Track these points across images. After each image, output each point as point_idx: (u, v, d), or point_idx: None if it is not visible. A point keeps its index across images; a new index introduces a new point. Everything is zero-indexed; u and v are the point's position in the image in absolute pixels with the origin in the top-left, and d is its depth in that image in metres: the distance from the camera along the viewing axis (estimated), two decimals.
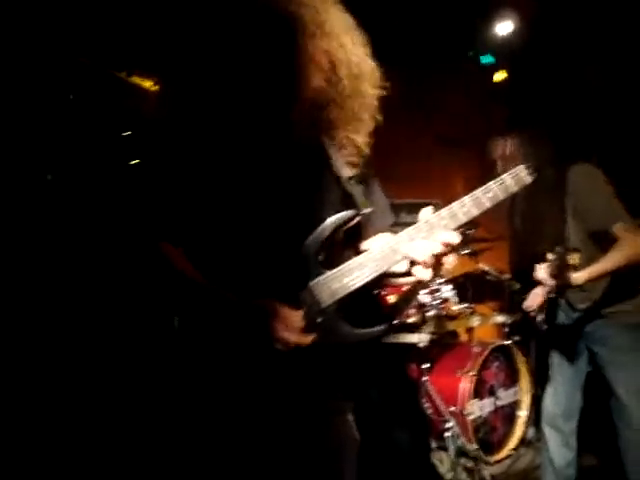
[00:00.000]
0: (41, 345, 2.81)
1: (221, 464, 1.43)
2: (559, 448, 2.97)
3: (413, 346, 3.71)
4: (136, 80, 3.37)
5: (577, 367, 2.98)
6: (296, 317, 1.37)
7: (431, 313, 3.84)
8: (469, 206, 1.39)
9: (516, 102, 4.63)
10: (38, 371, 2.78)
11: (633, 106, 4.45)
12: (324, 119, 1.52)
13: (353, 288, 1.40)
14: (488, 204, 1.39)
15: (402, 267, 1.44)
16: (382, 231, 1.57)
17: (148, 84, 3.40)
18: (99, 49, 3.26)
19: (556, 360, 3.02)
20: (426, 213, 1.40)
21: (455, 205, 1.39)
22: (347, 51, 1.51)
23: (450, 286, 4.06)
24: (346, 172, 1.53)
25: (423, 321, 3.82)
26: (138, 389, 2.80)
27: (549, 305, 3.09)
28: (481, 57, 4.76)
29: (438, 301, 3.90)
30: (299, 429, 1.44)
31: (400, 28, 4.37)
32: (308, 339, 1.37)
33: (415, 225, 1.39)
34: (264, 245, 1.43)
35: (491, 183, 1.41)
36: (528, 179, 1.42)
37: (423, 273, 1.39)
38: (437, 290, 3.93)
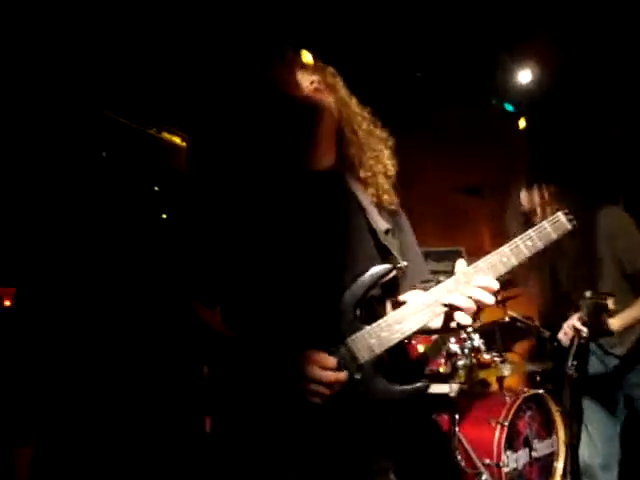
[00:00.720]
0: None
1: None
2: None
3: (444, 396, 3.65)
4: (166, 136, 3.46)
5: (613, 415, 2.91)
6: (331, 360, 1.36)
7: (461, 362, 3.79)
8: (508, 255, 1.38)
9: (539, 151, 4.64)
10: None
11: None
12: (346, 159, 1.59)
13: (392, 343, 1.39)
14: (527, 253, 1.38)
15: (438, 322, 1.44)
16: (417, 283, 1.58)
17: (177, 140, 3.49)
18: (130, 106, 3.36)
19: (590, 408, 2.95)
20: (461, 265, 1.40)
21: (494, 255, 1.39)
22: (354, 106, 1.62)
23: (478, 335, 4.01)
24: (382, 225, 1.54)
25: (453, 371, 3.76)
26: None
27: (580, 351, 3.04)
28: (505, 104, 4.82)
29: (467, 350, 3.85)
30: None
31: (419, 77, 4.45)
32: (339, 375, 1.34)
33: (452, 277, 1.38)
34: (301, 301, 1.43)
35: (530, 231, 1.39)
36: (568, 225, 1.40)
37: (465, 319, 1.38)
38: (466, 339, 3.88)
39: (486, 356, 4.03)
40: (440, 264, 5.20)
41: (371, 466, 1.45)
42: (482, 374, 4.02)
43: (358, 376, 1.37)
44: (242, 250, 1.48)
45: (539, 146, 5.09)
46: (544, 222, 1.40)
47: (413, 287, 1.59)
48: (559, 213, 1.40)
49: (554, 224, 1.39)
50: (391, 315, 1.40)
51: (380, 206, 1.59)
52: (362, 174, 1.59)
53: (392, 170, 1.63)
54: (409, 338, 1.55)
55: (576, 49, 4.55)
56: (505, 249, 1.39)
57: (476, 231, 4.99)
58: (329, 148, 1.58)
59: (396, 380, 1.39)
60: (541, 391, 4.05)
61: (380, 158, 1.61)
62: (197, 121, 3.20)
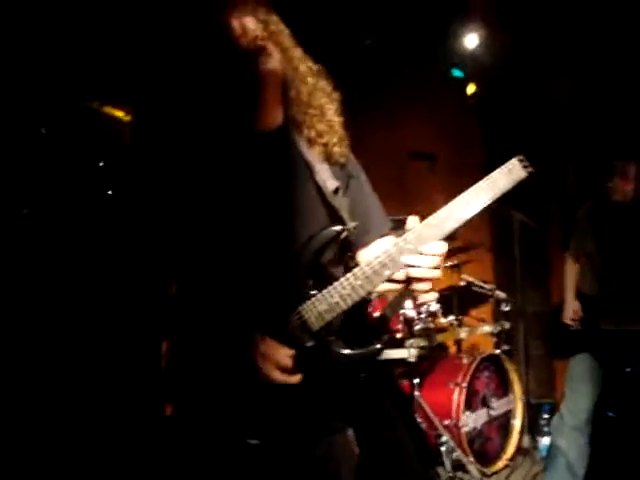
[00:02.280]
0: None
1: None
2: (583, 450, 3.01)
3: (402, 361, 3.68)
4: (109, 110, 3.36)
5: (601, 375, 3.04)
6: (282, 354, 1.35)
7: (418, 327, 3.83)
8: (462, 206, 1.31)
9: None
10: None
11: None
12: (291, 115, 1.53)
13: (341, 309, 1.36)
14: (482, 204, 1.31)
15: (401, 275, 1.40)
16: (380, 236, 1.56)
17: (121, 113, 3.39)
18: (71, 80, 3.24)
19: (585, 364, 3.05)
20: (413, 221, 1.36)
21: (447, 208, 1.32)
22: (299, 57, 1.54)
23: (435, 299, 4.05)
24: (330, 184, 1.50)
25: (411, 336, 3.80)
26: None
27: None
28: (452, 70, 4.81)
29: (425, 315, 3.88)
30: (298, 450, 1.40)
31: (368, 44, 4.42)
32: (294, 379, 1.35)
33: (404, 236, 1.34)
34: (251, 270, 1.40)
35: (482, 182, 1.31)
36: (522, 174, 1.30)
37: (421, 286, 1.36)
38: (423, 304, 3.92)
39: (443, 320, 4.08)
40: (397, 232, 5.23)
41: (329, 424, 1.45)
42: (440, 338, 4.06)
43: (310, 343, 1.36)
44: (191, 220, 1.44)
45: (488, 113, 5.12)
46: (496, 171, 1.31)
47: (371, 242, 1.57)
48: (514, 159, 1.31)
49: (508, 172, 1.30)
50: (341, 280, 1.36)
51: (331, 161, 1.54)
52: (307, 132, 1.53)
53: (338, 125, 1.57)
54: (364, 302, 1.53)
55: (522, 12, 4.57)
56: (464, 197, 1.31)
57: (429, 198, 5.00)
58: (275, 104, 1.52)
59: (352, 344, 1.38)
60: (497, 351, 4.13)
61: (325, 114, 1.55)
62: (139, 91, 3.10)
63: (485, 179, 1.31)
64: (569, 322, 3.25)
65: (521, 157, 1.31)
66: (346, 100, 1.63)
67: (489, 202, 1.31)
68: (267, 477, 1.38)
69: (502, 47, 4.81)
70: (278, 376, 1.34)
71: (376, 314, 3.33)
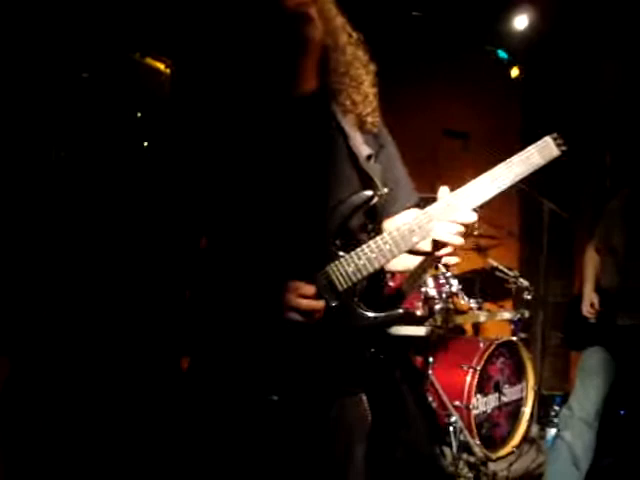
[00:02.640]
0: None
1: (231, 447, 1.42)
2: (589, 444, 2.99)
3: (419, 339, 3.69)
4: (149, 62, 3.35)
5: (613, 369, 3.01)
6: (309, 287, 1.36)
7: (438, 307, 3.82)
8: (497, 177, 1.34)
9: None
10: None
11: None
12: (328, 83, 1.52)
13: (367, 272, 1.38)
14: (513, 179, 1.34)
15: (427, 246, 1.43)
16: (407, 208, 1.57)
17: (161, 66, 3.38)
18: (113, 30, 3.24)
19: (598, 357, 3.03)
20: (443, 192, 1.38)
21: (478, 180, 1.35)
22: (342, 26, 1.53)
23: (457, 281, 4.03)
24: (364, 150, 1.51)
25: (430, 314, 3.80)
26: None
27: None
28: (498, 51, 4.71)
29: (445, 295, 3.87)
30: (311, 410, 1.42)
31: (416, 17, 4.34)
32: (320, 304, 1.35)
33: (435, 204, 1.37)
34: (282, 229, 1.41)
35: (514, 157, 1.35)
36: (556, 151, 1.34)
37: (445, 252, 1.39)
38: (445, 284, 3.90)
39: (463, 302, 4.07)
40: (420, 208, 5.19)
41: (344, 387, 1.47)
42: (458, 319, 4.06)
43: (335, 303, 1.38)
44: (224, 177, 1.45)
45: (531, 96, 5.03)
46: (531, 146, 1.35)
47: (397, 213, 1.58)
48: (547, 137, 1.35)
49: (541, 149, 1.34)
50: (369, 243, 1.38)
51: (363, 130, 1.55)
52: (342, 101, 1.53)
53: (373, 97, 1.57)
54: (386, 272, 1.54)
55: None
56: (487, 175, 1.35)
57: (461, 177, 4.94)
58: (312, 71, 1.52)
59: (373, 308, 1.40)
60: (514, 338, 4.12)
61: (361, 85, 1.54)
62: (181, 46, 3.08)
63: (518, 154, 1.35)
64: (587, 314, 3.21)
65: (555, 135, 1.35)
66: (384, 73, 1.62)
67: (520, 177, 1.35)
68: (282, 434, 1.40)
69: (550, 30, 4.70)
70: (304, 303, 1.35)
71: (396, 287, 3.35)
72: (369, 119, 1.55)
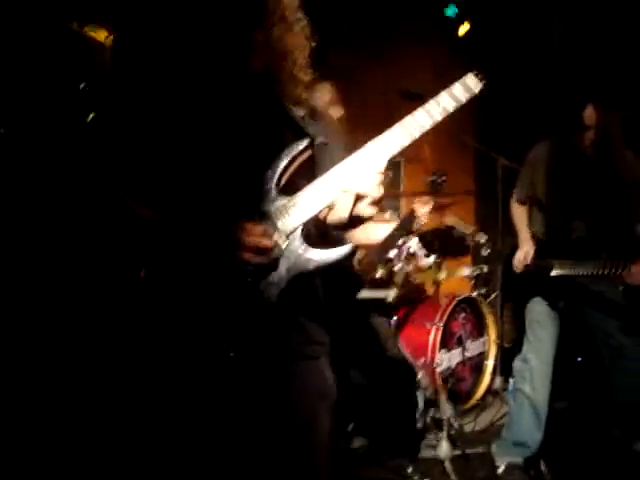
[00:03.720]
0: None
1: (192, 412, 1.40)
2: (547, 393, 3.07)
3: (381, 301, 3.71)
4: (89, 31, 3.23)
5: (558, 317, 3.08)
6: (259, 227, 1.36)
7: (398, 268, 3.84)
8: (421, 119, 1.36)
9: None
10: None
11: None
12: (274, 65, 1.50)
13: (310, 214, 1.39)
14: (439, 116, 1.37)
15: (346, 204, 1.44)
16: None
17: (102, 35, 3.26)
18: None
19: (542, 308, 3.08)
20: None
21: (407, 119, 1.37)
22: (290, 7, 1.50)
23: (416, 240, 4.05)
24: (299, 111, 1.52)
25: (390, 276, 3.82)
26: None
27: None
28: (445, 9, 4.68)
29: (404, 256, 3.89)
30: (272, 374, 1.41)
31: None
32: (271, 242, 1.35)
33: (370, 143, 1.38)
34: (225, 183, 1.41)
35: (442, 93, 1.38)
36: (478, 88, 1.39)
37: (366, 210, 1.41)
38: (403, 244, 3.92)
39: (422, 262, 4.09)
40: None
41: (303, 349, 1.47)
42: (419, 279, 4.10)
43: (283, 245, 1.37)
44: (167, 137, 1.44)
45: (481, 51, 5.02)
46: (454, 83, 1.38)
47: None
48: (469, 73, 1.39)
49: (464, 86, 1.38)
50: (308, 188, 1.39)
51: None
52: (285, 82, 1.52)
53: (304, 74, 1.55)
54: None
55: None
56: (417, 112, 1.37)
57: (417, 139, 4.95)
58: (261, 47, 1.47)
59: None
60: (475, 294, 4.18)
61: (297, 59, 1.52)
62: (122, 14, 2.98)
63: (446, 90, 1.38)
64: (515, 266, 3.20)
65: (476, 71, 1.40)
66: (340, 37, 1.58)
67: (446, 114, 1.37)
68: (240, 393, 1.40)
69: None
70: (255, 241, 1.34)
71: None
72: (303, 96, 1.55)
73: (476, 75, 1.38)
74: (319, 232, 1.50)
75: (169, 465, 1.43)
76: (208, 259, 1.36)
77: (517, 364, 3.19)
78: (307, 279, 1.41)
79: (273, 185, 1.39)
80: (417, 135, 1.37)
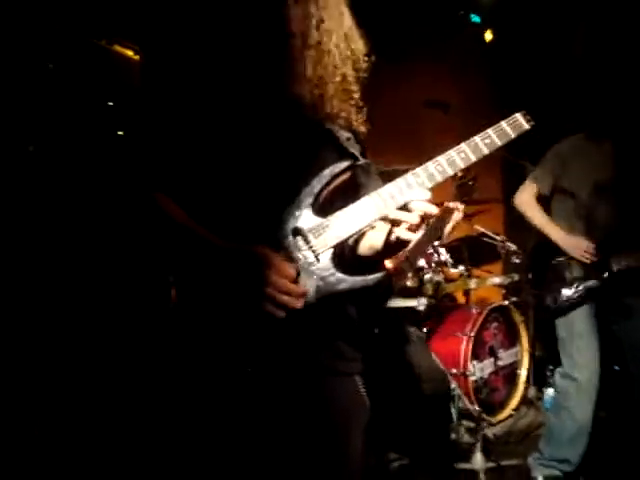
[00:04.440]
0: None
1: (219, 431, 1.37)
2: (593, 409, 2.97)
3: (412, 310, 3.68)
4: (117, 49, 3.27)
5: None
6: (289, 265, 1.32)
7: (428, 277, 3.81)
8: (466, 152, 1.39)
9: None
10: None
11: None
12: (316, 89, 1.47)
13: (346, 236, 1.37)
14: (486, 150, 1.39)
15: (382, 232, 1.43)
16: None
17: (130, 53, 3.31)
18: (79, 17, 3.15)
19: (588, 318, 3.00)
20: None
21: (452, 152, 1.39)
22: (335, 18, 1.47)
23: (444, 249, 4.03)
24: (344, 134, 1.49)
25: (421, 285, 3.79)
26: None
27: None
28: (470, 16, 4.68)
29: (434, 265, 3.87)
30: (303, 392, 1.38)
31: None
32: (300, 289, 1.31)
33: (412, 171, 1.38)
34: (262, 197, 1.38)
35: (489, 130, 1.41)
36: (526, 125, 1.43)
37: (404, 234, 1.38)
38: (433, 253, 3.90)
39: (453, 270, 4.06)
40: None
41: (335, 366, 1.43)
42: (449, 288, 4.06)
43: (313, 267, 1.35)
44: (203, 146, 1.41)
45: (503, 60, 4.99)
46: (502, 122, 1.42)
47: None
48: (517, 114, 1.43)
49: (512, 124, 1.42)
50: (348, 208, 1.37)
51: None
52: (329, 109, 1.49)
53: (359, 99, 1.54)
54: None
55: None
56: (463, 145, 1.39)
57: (441, 148, 4.92)
58: (298, 69, 1.44)
59: (353, 273, 1.38)
60: (506, 303, 4.13)
61: (351, 90, 1.51)
62: (151, 32, 3.01)
63: (493, 127, 1.42)
64: (583, 259, 2.97)
65: (524, 112, 1.44)
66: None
67: (493, 149, 1.41)
68: (260, 409, 1.37)
69: None
70: (284, 286, 1.31)
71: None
72: (356, 121, 1.53)
73: (524, 115, 1.43)
74: (351, 256, 1.49)
75: None
76: (233, 279, 1.33)
77: (560, 381, 3.06)
78: (335, 298, 1.39)
79: (310, 203, 1.38)
80: (462, 166, 1.39)
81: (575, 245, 3.02)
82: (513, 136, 1.42)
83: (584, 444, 2.97)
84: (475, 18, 4.69)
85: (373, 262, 1.51)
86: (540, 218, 3.18)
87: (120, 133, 2.98)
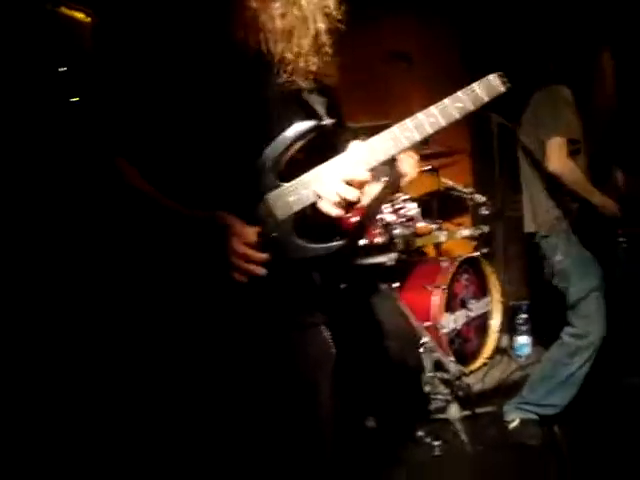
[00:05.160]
0: None
1: (192, 388, 1.38)
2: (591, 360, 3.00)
3: (382, 266, 3.68)
4: (65, 11, 3.14)
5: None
6: (251, 232, 1.31)
7: (397, 232, 3.80)
8: (436, 116, 1.30)
9: None
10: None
11: None
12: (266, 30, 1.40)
13: (308, 202, 1.34)
14: (457, 115, 1.30)
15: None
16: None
17: (80, 15, 3.18)
18: None
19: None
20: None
21: (421, 115, 1.30)
22: None
23: (415, 204, 4.01)
24: (306, 84, 1.44)
25: (390, 240, 3.78)
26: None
27: None
28: None
29: (403, 219, 3.85)
30: (270, 344, 1.39)
31: None
32: (262, 256, 1.31)
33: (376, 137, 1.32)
34: (220, 159, 1.36)
35: (459, 92, 1.31)
36: (501, 88, 1.30)
37: (327, 209, 1.34)
38: (402, 208, 3.88)
39: (422, 224, 4.06)
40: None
41: (300, 319, 1.45)
42: (419, 242, 4.06)
43: (275, 233, 1.34)
44: (161, 109, 1.37)
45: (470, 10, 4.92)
46: (474, 84, 1.31)
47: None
48: (491, 75, 1.31)
49: (486, 85, 1.30)
50: (309, 173, 1.34)
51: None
52: (302, 63, 1.41)
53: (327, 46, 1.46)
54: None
55: None
56: (433, 109, 1.30)
57: (407, 103, 4.87)
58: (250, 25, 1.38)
59: (315, 240, 1.36)
60: (476, 254, 4.15)
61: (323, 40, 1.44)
62: None
63: (464, 90, 1.30)
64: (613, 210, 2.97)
65: (500, 73, 1.31)
66: None
67: (465, 114, 1.31)
68: (239, 368, 1.38)
69: None
70: (247, 252, 1.31)
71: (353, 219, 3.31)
72: (326, 76, 1.47)
73: (500, 76, 1.31)
74: (313, 221, 1.45)
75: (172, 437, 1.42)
76: (197, 245, 1.32)
77: (568, 339, 3.06)
78: (298, 263, 1.38)
79: (272, 167, 1.34)
80: (430, 132, 1.30)
81: (612, 208, 3.04)
82: (486, 100, 1.31)
83: (574, 392, 3.03)
84: None
85: (334, 226, 1.49)
86: (586, 182, 3.03)
87: (74, 99, 2.89)
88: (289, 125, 1.35)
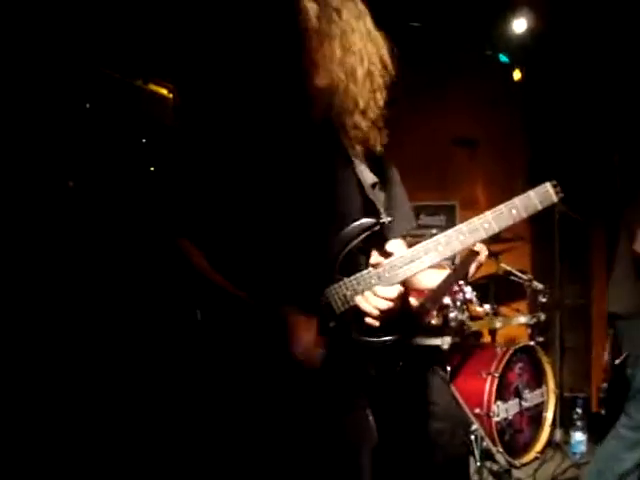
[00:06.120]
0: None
1: (236, 464, 1.43)
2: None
3: (436, 349, 3.66)
4: (152, 87, 3.38)
5: None
6: (312, 323, 1.39)
7: (453, 315, 3.79)
8: (490, 222, 1.36)
9: None
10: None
11: None
12: (337, 112, 1.49)
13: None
14: (510, 221, 1.35)
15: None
16: (399, 236, 1.60)
17: (164, 91, 3.42)
18: (115, 57, 3.27)
19: None
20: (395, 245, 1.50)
21: (476, 220, 1.37)
22: (359, 44, 1.48)
23: (470, 287, 4.01)
24: (369, 178, 1.52)
25: (445, 323, 3.77)
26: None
27: None
28: (499, 55, 4.71)
29: (460, 303, 3.85)
30: (315, 425, 1.44)
31: (414, 27, 4.35)
32: (318, 354, 1.39)
33: (433, 239, 1.39)
34: (285, 251, 1.43)
35: (515, 199, 1.36)
36: (554, 197, 1.35)
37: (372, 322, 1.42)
38: (458, 292, 3.88)
39: (478, 309, 4.04)
40: (434, 218, 5.18)
41: (345, 401, 1.49)
42: (474, 326, 4.03)
43: (332, 324, 1.41)
44: (231, 195, 1.46)
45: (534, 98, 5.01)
46: (530, 191, 1.36)
47: (394, 238, 1.61)
48: (547, 183, 1.36)
49: (541, 194, 1.34)
50: (368, 270, 1.41)
51: (368, 156, 1.55)
52: (350, 121, 1.49)
53: (381, 120, 1.53)
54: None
55: None
56: (489, 214, 1.36)
57: (470, 185, 4.94)
58: (321, 92, 1.47)
59: (373, 334, 1.42)
60: (532, 343, 4.08)
61: (370, 108, 1.50)
62: (183, 71, 3.11)
63: (520, 197, 1.35)
64: None
65: (554, 182, 1.36)
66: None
67: (518, 221, 1.36)
68: (283, 449, 1.42)
69: (549, 31, 4.69)
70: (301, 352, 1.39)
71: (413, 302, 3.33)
72: (375, 144, 1.54)
73: (554, 186, 1.35)
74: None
75: None
76: (255, 333, 1.41)
77: (625, 432, 2.89)
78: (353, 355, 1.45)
79: (332, 262, 1.42)
80: (484, 237, 1.37)
81: None
82: (540, 208, 1.35)
83: None
84: (503, 58, 4.72)
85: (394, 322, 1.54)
86: None
87: (152, 169, 3.07)
88: (352, 221, 1.42)
